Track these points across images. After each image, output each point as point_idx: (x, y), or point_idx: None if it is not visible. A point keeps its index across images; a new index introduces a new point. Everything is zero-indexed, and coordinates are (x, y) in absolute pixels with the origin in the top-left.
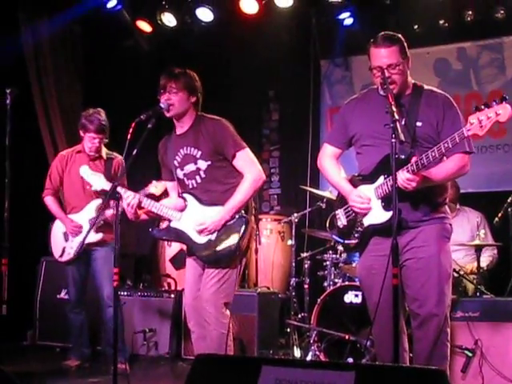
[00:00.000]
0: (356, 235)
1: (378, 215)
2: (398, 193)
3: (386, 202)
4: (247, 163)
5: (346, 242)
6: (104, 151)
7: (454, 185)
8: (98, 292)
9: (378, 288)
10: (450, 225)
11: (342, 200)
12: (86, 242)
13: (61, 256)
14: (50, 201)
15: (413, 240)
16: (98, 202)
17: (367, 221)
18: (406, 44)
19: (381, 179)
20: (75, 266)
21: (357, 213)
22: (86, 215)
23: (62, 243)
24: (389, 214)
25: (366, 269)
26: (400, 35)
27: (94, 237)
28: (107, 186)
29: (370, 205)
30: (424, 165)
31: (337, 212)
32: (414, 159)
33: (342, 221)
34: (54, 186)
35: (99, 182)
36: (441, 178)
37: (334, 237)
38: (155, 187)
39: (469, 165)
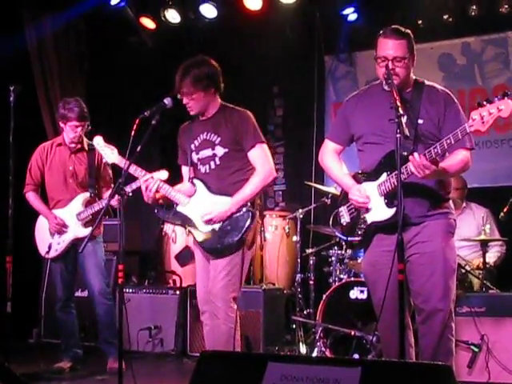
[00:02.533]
0: (359, 232)
1: (381, 212)
2: (402, 189)
3: (389, 198)
4: (262, 158)
5: (349, 239)
6: (85, 142)
7: (462, 183)
8: (88, 288)
9: (382, 283)
10: (454, 220)
11: (345, 197)
12: (77, 237)
13: (47, 252)
14: (31, 197)
15: (417, 235)
16: (86, 195)
17: (370, 218)
18: (413, 41)
19: (383, 176)
20: (62, 262)
21: (357, 208)
22: (71, 210)
23: (48, 239)
24: (392, 211)
25: (370, 264)
26: (409, 31)
27: (84, 231)
28: (119, 161)
29: (370, 200)
30: (432, 158)
31: (340, 209)
32: (410, 157)
33: (345, 218)
34: (34, 180)
35: (112, 155)
36: (451, 172)
37: (337, 234)
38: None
39: (470, 161)
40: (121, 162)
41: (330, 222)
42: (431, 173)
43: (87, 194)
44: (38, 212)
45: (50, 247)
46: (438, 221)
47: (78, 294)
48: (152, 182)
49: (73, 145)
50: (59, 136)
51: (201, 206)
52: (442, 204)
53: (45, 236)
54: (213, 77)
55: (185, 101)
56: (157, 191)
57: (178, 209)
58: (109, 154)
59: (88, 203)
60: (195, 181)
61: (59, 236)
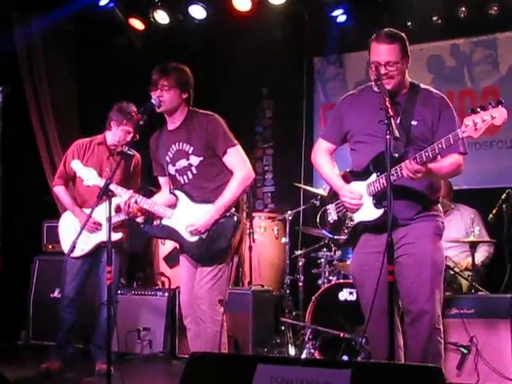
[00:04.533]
0: (346, 231)
1: (368, 212)
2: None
3: (378, 199)
4: (237, 161)
5: (335, 237)
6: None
7: (447, 183)
8: (98, 293)
9: (370, 284)
10: (442, 223)
11: (333, 195)
12: (105, 240)
13: (71, 251)
14: (61, 190)
15: (404, 236)
16: (119, 200)
17: (358, 217)
18: (407, 43)
19: (373, 176)
20: (82, 262)
21: (347, 208)
22: (102, 212)
23: (73, 238)
24: (380, 212)
25: (358, 265)
26: (403, 34)
27: (114, 236)
28: (99, 182)
29: (362, 201)
30: (422, 161)
31: (328, 207)
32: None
33: (332, 216)
34: (68, 174)
35: (91, 177)
36: (441, 174)
37: (323, 232)
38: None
39: (463, 165)
40: (101, 182)
41: (317, 220)
42: (422, 175)
43: (118, 199)
44: (66, 208)
45: (74, 246)
46: (426, 223)
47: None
48: (128, 196)
49: (113, 147)
50: (99, 135)
51: (185, 217)
52: (431, 206)
53: (70, 235)
54: (190, 85)
55: (158, 94)
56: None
57: (164, 222)
58: (88, 176)
59: (118, 209)
60: (176, 192)
61: (87, 236)
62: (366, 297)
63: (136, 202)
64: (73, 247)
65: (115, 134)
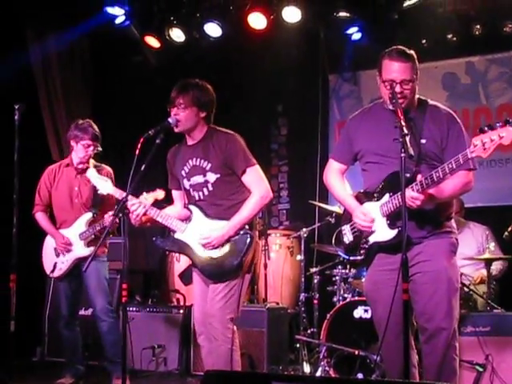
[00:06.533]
0: (361, 252)
1: (383, 233)
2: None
3: (392, 219)
4: (256, 180)
5: (351, 258)
6: (91, 163)
7: (459, 205)
8: (92, 306)
9: (383, 302)
10: (456, 239)
11: (348, 216)
12: (79, 256)
13: (52, 271)
14: (40, 217)
15: (418, 254)
16: (88, 215)
17: (372, 238)
18: (417, 62)
19: (386, 197)
20: (67, 281)
21: (360, 230)
22: (75, 230)
23: (54, 259)
24: (394, 232)
25: (371, 283)
26: (413, 52)
27: (86, 250)
28: (114, 191)
29: (373, 224)
30: (428, 185)
31: (343, 228)
32: (418, 177)
33: (348, 237)
34: (43, 201)
35: (106, 186)
36: (446, 195)
37: (339, 253)
38: (145, 198)
39: (473, 181)
40: (115, 192)
41: (333, 241)
42: (424, 202)
43: (90, 214)
44: (46, 232)
45: (54, 266)
46: (440, 240)
47: (82, 312)
48: (137, 206)
49: (81, 165)
50: (67, 157)
51: (199, 232)
52: (443, 224)
53: (50, 256)
54: (210, 103)
55: (175, 112)
56: (144, 214)
57: (176, 236)
58: (103, 184)
59: (91, 223)
60: (191, 207)
61: (64, 255)
62: (379, 314)
63: (145, 212)
64: (53, 267)
65: (77, 151)
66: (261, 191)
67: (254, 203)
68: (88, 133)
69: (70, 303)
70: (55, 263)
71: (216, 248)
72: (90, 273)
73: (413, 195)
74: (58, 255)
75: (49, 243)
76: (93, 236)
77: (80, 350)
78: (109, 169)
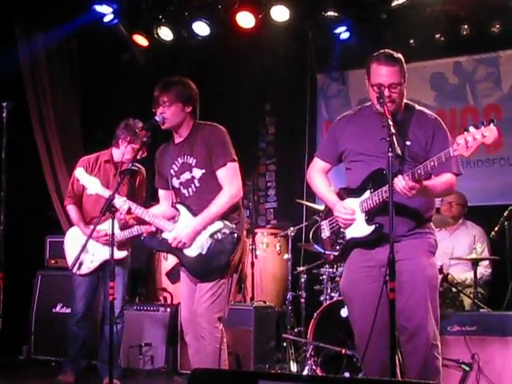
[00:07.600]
0: (337, 247)
1: (360, 228)
2: (382, 208)
3: (370, 216)
4: (230, 177)
5: (326, 252)
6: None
7: (464, 199)
8: (100, 307)
9: (358, 299)
10: (435, 240)
11: (327, 212)
12: (109, 258)
13: (78, 269)
14: (72, 209)
15: (397, 253)
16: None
17: (349, 234)
18: (405, 65)
19: (367, 193)
20: (89, 279)
21: (340, 224)
22: (106, 229)
23: (81, 255)
24: (370, 228)
25: (348, 281)
26: (400, 55)
27: (119, 254)
28: (102, 191)
29: (354, 217)
30: (420, 175)
31: (322, 223)
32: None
33: (325, 232)
34: (76, 193)
35: (94, 186)
36: (435, 191)
37: (316, 247)
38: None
39: (455, 185)
40: (103, 192)
41: (311, 235)
42: (417, 191)
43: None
44: (77, 226)
45: (81, 264)
46: (419, 240)
47: (65, 310)
48: (122, 202)
49: (121, 164)
50: (105, 151)
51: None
52: (423, 224)
53: (76, 252)
54: (193, 97)
55: (161, 110)
56: (129, 213)
57: (164, 235)
58: (92, 184)
59: (124, 225)
60: (178, 206)
61: (93, 254)
62: (356, 311)
63: (130, 210)
64: (76, 262)
65: (124, 151)
66: (233, 189)
67: (224, 201)
68: (139, 137)
69: (86, 301)
70: (82, 260)
71: (189, 246)
72: (115, 276)
73: (411, 184)
74: (85, 252)
75: (74, 238)
76: (125, 240)
77: (83, 349)
78: (143, 170)
